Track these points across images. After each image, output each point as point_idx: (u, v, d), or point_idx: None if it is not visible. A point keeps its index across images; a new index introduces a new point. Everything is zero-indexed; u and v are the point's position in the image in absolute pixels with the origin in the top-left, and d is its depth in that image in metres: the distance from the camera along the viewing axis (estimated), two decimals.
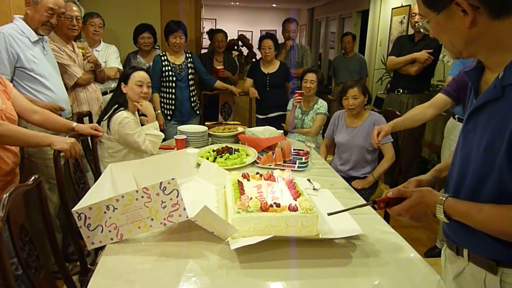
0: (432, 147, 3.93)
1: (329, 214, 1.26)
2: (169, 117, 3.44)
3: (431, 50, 3.15)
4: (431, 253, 2.63)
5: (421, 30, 1.00)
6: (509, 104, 0.83)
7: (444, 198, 0.96)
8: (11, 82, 1.98)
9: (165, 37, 3.39)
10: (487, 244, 0.92)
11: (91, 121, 2.47)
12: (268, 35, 3.68)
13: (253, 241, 1.25)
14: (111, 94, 3.18)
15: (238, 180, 1.65)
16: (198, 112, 3.60)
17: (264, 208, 1.38)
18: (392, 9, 5.63)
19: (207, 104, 3.88)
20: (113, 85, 3.28)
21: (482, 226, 0.90)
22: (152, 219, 1.32)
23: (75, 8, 2.46)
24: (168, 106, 3.43)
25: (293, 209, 1.38)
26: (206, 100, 3.84)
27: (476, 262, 0.97)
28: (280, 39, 4.03)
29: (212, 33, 4.17)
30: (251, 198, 1.42)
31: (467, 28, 0.85)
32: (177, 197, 1.30)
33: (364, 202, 1.84)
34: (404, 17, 5.28)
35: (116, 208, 1.30)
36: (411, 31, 5.19)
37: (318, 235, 1.37)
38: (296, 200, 1.46)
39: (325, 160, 2.60)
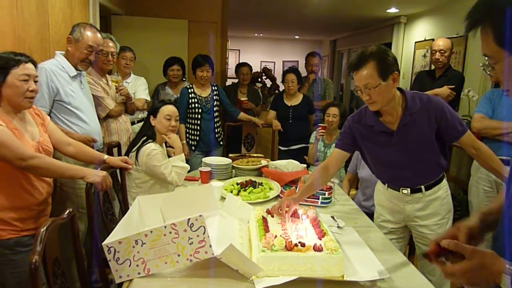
0: (457, 182, 3.85)
1: None
2: (193, 148, 3.51)
3: (453, 86, 3.13)
4: None
5: (487, 72, 0.90)
6: None
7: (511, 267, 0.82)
8: (49, 114, 2.10)
9: (192, 70, 3.51)
10: None
11: (119, 152, 2.56)
12: (291, 70, 3.77)
13: (279, 282, 1.25)
14: (138, 124, 3.31)
15: (262, 217, 1.67)
16: (221, 143, 3.68)
17: (289, 247, 1.38)
18: (415, 42, 5.67)
19: (230, 135, 3.96)
20: (140, 115, 3.40)
21: None
22: (178, 255, 1.34)
23: (111, 44, 2.61)
24: (193, 137, 3.51)
25: (318, 249, 1.38)
26: (229, 131, 3.91)
27: None
28: (302, 69, 4.10)
29: (237, 66, 4.29)
30: (275, 236, 1.44)
31: None
32: (203, 234, 1.33)
33: (388, 240, 1.82)
34: (427, 51, 5.29)
35: (145, 243, 1.34)
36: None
37: (343, 276, 1.36)
38: (321, 239, 1.46)
39: (348, 195, 2.59)
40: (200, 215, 1.33)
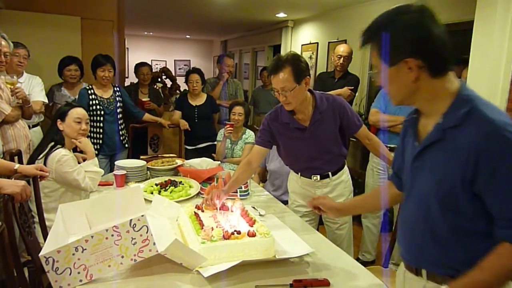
0: (351, 172, 4.41)
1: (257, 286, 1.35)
2: (96, 152, 3.34)
3: (352, 87, 3.58)
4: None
5: (372, 78, 1.19)
6: (453, 144, 1.00)
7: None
8: None
9: (92, 70, 3.34)
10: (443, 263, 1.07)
11: (20, 161, 2.34)
12: (195, 70, 3.85)
13: (224, 268, 1.37)
14: (33, 129, 3.04)
15: (194, 212, 1.75)
16: (126, 145, 3.58)
17: (227, 236, 1.51)
18: (302, 45, 6.23)
19: (134, 137, 3.86)
20: (36, 119, 3.12)
21: (497, 278, 0.97)
22: (122, 256, 1.36)
23: (3, 43, 2.35)
24: (95, 141, 3.35)
25: (252, 234, 1.54)
26: (133, 133, 3.83)
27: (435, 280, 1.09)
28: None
29: (137, 66, 4.20)
30: (212, 228, 1.54)
31: (411, 82, 1.04)
32: (147, 233, 1.37)
33: (304, 221, 2.07)
34: (312, 53, 5.88)
35: (85, 249, 1.32)
36: (319, 66, 5.80)
37: (275, 256, 1.54)
38: (252, 226, 1.61)
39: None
40: (142, 215, 1.36)
